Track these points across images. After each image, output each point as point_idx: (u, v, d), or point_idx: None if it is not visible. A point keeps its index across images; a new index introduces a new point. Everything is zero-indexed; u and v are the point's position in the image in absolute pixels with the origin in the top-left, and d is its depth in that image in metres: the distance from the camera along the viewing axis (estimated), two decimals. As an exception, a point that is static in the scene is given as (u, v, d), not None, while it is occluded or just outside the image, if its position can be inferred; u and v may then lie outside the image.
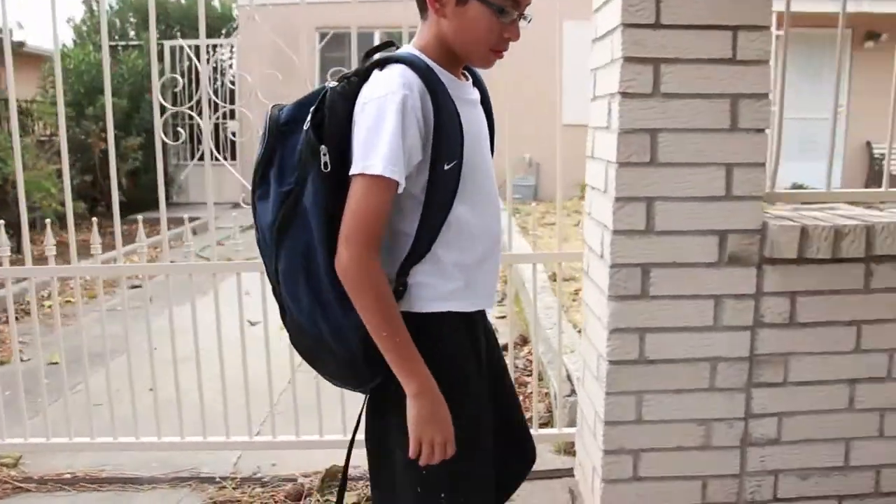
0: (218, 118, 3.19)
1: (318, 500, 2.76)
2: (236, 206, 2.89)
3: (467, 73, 1.71)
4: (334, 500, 2.68)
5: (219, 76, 10.11)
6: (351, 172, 1.47)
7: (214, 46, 10.52)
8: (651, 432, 2.29)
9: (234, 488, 2.87)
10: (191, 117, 3.67)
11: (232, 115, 8.81)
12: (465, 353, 1.67)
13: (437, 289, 1.61)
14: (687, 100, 2.13)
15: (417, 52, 1.58)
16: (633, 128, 2.14)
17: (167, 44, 10.13)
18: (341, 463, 2.89)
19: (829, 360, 2.32)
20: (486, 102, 1.77)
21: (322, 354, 1.62)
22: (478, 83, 1.74)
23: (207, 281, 3.03)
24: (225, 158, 3.16)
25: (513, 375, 2.86)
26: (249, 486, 2.89)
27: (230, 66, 10.73)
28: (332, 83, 1.55)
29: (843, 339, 2.31)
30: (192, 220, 3.00)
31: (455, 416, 1.55)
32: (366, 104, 1.49)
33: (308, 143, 1.49)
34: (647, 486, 2.34)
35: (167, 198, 3.02)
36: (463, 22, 1.54)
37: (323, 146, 1.47)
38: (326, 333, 1.55)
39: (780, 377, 2.31)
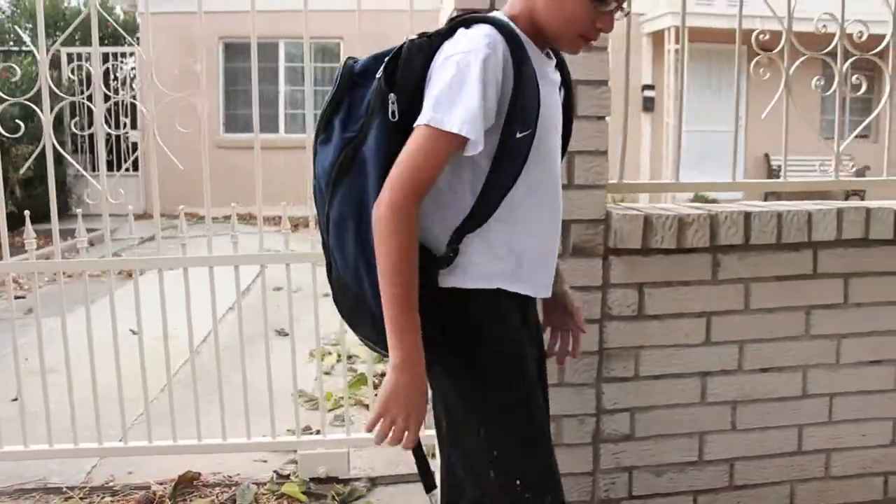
0: (115, 126, 2.99)
1: (169, 509, 2.63)
2: (139, 217, 2.78)
3: (552, 54, 1.63)
4: (186, 507, 2.57)
5: (121, 86, 9.82)
6: (417, 122, 1.41)
7: (116, 55, 10.21)
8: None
9: (81, 498, 2.72)
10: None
11: (134, 125, 8.58)
12: (517, 331, 1.58)
13: (486, 267, 1.53)
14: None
15: (506, 19, 1.51)
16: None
17: (64, 50, 9.71)
18: (197, 469, 2.84)
19: (679, 352, 2.30)
20: (567, 91, 1.69)
21: (362, 316, 1.55)
22: (562, 67, 1.66)
23: (102, 289, 2.89)
24: (127, 169, 3.02)
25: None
26: (99, 496, 2.74)
27: (133, 76, 10.40)
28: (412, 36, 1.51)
29: (694, 330, 2.29)
30: (89, 230, 2.80)
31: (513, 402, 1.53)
32: (447, 59, 1.43)
33: (379, 91, 1.45)
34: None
35: (66, 209, 2.85)
36: (558, 5, 1.49)
37: (392, 94, 1.43)
38: (368, 292, 1.48)
39: (631, 371, 2.28)
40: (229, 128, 11.11)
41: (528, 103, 1.45)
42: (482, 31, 1.42)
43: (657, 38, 11.64)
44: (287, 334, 3.16)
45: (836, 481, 2.50)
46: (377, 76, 1.47)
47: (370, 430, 1.45)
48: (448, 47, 1.44)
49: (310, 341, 3.11)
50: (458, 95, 1.38)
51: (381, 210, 1.39)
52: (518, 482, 1.52)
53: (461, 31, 1.45)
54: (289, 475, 2.83)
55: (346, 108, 1.52)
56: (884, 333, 2.46)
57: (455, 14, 1.58)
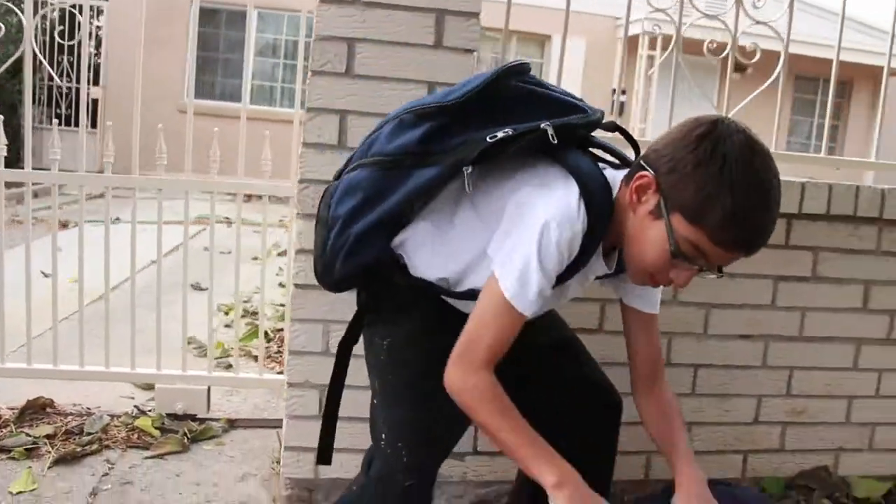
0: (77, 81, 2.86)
1: (13, 431, 2.53)
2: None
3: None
4: (31, 431, 2.49)
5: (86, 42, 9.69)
6: (503, 284, 1.32)
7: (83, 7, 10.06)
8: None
9: (-75, 416, 2.63)
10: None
11: (96, 80, 8.48)
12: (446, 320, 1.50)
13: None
14: (389, 11, 2.01)
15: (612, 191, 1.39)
16: (329, 35, 2.00)
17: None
18: (63, 400, 2.76)
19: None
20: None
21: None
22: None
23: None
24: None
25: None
26: (-54, 415, 2.65)
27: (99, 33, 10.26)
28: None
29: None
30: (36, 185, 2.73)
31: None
32: (541, 219, 1.31)
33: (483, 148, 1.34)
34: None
35: (18, 161, 2.77)
36: (643, 233, 1.33)
37: (470, 168, 1.35)
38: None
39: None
40: (198, 94, 11.01)
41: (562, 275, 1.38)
42: (574, 204, 1.31)
43: (631, 42, 11.61)
44: (202, 289, 3.14)
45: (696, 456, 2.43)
46: (489, 138, 1.34)
47: None
48: (546, 199, 1.33)
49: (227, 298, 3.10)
50: (536, 275, 1.30)
51: (457, 389, 1.36)
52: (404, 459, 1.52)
53: (561, 182, 1.34)
54: (149, 411, 2.75)
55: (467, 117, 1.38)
56: (754, 307, 2.40)
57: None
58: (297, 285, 2.10)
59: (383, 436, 1.54)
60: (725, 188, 1.22)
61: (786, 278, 2.41)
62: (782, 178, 1.31)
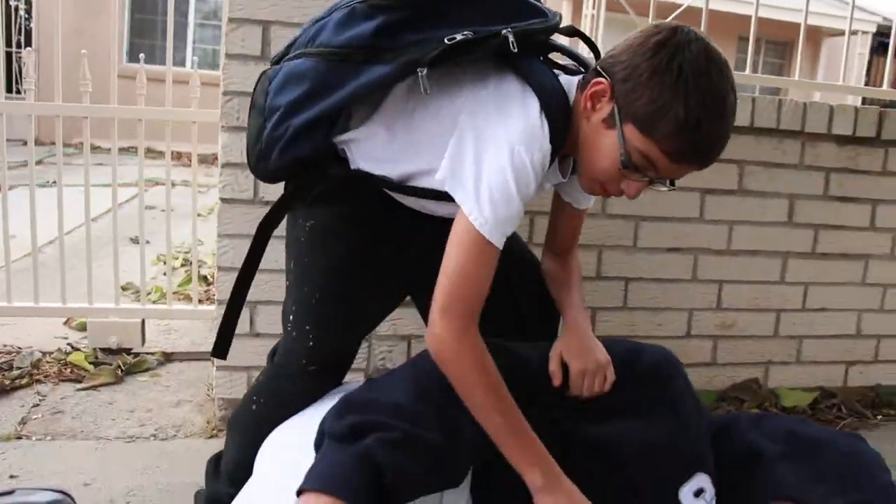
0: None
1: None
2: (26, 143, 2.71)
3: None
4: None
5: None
6: (470, 216, 1.23)
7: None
8: (267, 281, 2.13)
9: None
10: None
11: (28, 42, 8.25)
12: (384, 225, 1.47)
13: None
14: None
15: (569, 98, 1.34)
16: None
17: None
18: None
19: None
20: None
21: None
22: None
23: None
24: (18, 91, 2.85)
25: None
26: None
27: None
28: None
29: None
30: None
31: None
32: (505, 143, 1.24)
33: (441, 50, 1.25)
34: (267, 343, 2.17)
35: None
36: (596, 141, 1.29)
37: (424, 70, 1.24)
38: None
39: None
40: (133, 57, 10.78)
41: None
42: (537, 123, 1.25)
43: (577, 1, 11.66)
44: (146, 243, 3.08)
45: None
46: (464, 36, 1.26)
47: None
48: (507, 123, 1.26)
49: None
50: (511, 204, 1.23)
51: (447, 348, 1.24)
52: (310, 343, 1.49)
53: (518, 104, 1.27)
54: (82, 348, 2.70)
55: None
56: (681, 220, 2.44)
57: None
58: (223, 199, 2.08)
59: (291, 318, 1.51)
60: (679, 99, 1.18)
61: (712, 191, 2.46)
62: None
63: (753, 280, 2.56)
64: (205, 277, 3.60)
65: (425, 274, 1.35)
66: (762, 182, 2.50)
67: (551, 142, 1.27)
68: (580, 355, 1.40)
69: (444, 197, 1.31)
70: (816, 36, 12.15)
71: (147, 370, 2.62)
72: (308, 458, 1.24)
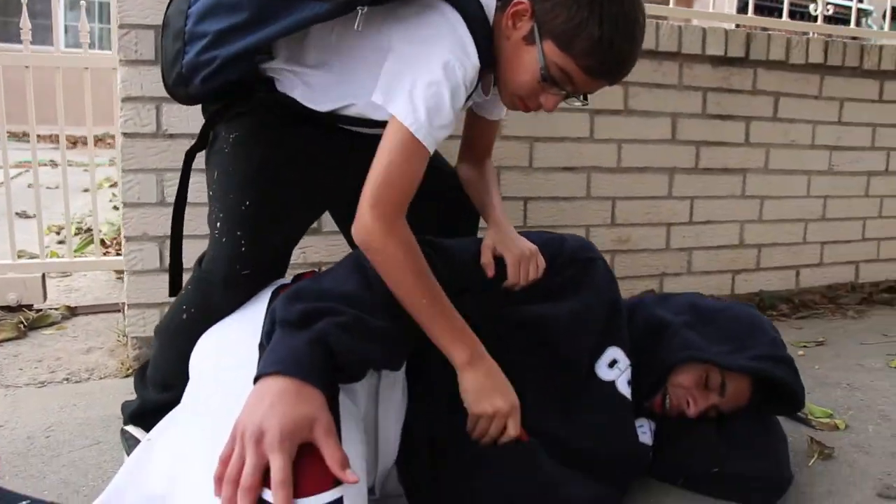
0: None
1: None
2: None
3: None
4: None
5: None
6: (401, 117, 1.28)
7: None
8: (175, 214, 2.12)
9: None
10: None
11: None
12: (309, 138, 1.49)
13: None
14: None
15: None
16: None
17: None
18: None
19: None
20: None
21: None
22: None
23: None
24: None
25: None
26: None
27: None
28: None
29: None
30: None
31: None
32: (437, 58, 1.30)
33: None
34: (179, 277, 2.17)
35: None
36: (516, 58, 1.36)
37: (365, 8, 1.30)
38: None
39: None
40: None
41: None
42: (466, 41, 1.32)
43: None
44: (30, 216, 2.98)
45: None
46: None
47: (476, 434, 1.34)
48: (438, 39, 1.31)
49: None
50: (442, 112, 1.29)
51: (376, 238, 1.29)
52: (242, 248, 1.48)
53: (446, 25, 1.32)
54: (-18, 310, 2.62)
55: None
56: (575, 140, 2.56)
57: None
58: (125, 134, 2.06)
59: (218, 224, 1.50)
60: (595, 18, 1.27)
61: (601, 112, 2.58)
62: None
63: (644, 196, 2.71)
64: (102, 241, 3.52)
65: (351, 191, 1.40)
66: (646, 102, 2.65)
67: (478, 59, 1.35)
68: (511, 246, 1.50)
69: (376, 125, 1.39)
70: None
71: (52, 324, 2.56)
72: (248, 351, 1.27)
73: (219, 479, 1.00)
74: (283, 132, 1.49)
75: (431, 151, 1.32)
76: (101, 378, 2.17)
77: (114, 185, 5.53)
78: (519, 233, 1.56)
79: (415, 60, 1.32)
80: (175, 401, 1.46)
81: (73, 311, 2.67)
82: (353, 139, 1.53)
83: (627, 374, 1.49)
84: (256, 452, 0.99)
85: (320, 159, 1.53)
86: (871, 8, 4.77)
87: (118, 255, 3.44)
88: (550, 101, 1.40)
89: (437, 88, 1.29)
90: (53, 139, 7.66)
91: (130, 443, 1.61)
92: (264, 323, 1.28)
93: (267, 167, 1.48)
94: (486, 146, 1.76)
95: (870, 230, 3.25)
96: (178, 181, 1.56)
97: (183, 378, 1.44)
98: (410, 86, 1.30)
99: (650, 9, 2.96)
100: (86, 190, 3.56)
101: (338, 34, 1.43)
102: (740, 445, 1.53)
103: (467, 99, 1.44)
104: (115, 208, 4.65)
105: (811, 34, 3.06)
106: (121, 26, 2.01)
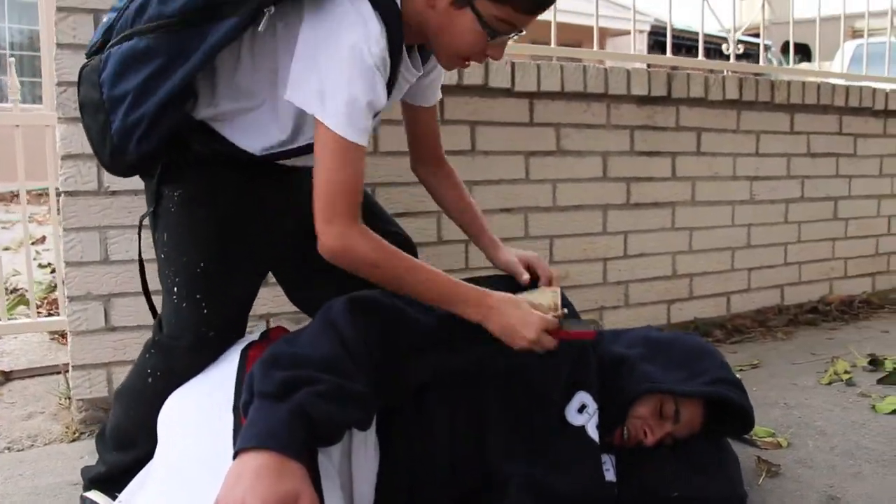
0: None
1: None
2: None
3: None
4: None
5: None
6: (323, 120, 1.30)
7: None
8: (119, 273, 2.10)
9: None
10: None
11: None
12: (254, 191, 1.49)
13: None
14: None
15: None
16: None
17: None
18: None
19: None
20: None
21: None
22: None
23: None
24: None
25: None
26: None
27: None
28: None
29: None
30: None
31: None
32: (339, 41, 1.29)
33: None
34: (124, 336, 2.14)
35: None
36: (450, 24, 1.37)
37: (272, 8, 1.29)
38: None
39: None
40: None
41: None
42: (370, 19, 1.30)
43: None
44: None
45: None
46: None
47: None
48: (342, 26, 1.30)
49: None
50: (363, 102, 1.30)
51: (340, 251, 1.34)
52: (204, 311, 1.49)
53: (351, 6, 1.31)
54: None
55: None
56: (511, 182, 2.63)
57: None
58: (66, 193, 2.04)
59: (175, 289, 1.48)
60: None
61: (534, 153, 2.66)
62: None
63: (579, 233, 2.80)
64: (28, 301, 3.42)
65: (291, 246, 1.49)
66: (577, 142, 2.74)
67: (389, 36, 1.33)
68: (540, 261, 1.74)
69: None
70: (602, 37, 13.11)
71: (-13, 391, 2.48)
72: (220, 418, 1.27)
73: None
74: (226, 183, 1.47)
75: (364, 143, 1.33)
76: (45, 444, 2.11)
77: (36, 242, 5.38)
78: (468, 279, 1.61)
79: (320, 50, 1.30)
80: (140, 462, 1.45)
81: (7, 376, 2.59)
82: (292, 177, 1.54)
83: (596, 419, 1.52)
84: None
85: (266, 203, 1.53)
86: (769, 42, 5.05)
87: (49, 315, 3.36)
88: (497, 51, 1.42)
89: (344, 76, 1.28)
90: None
91: None
92: (241, 391, 1.28)
93: (215, 224, 1.47)
94: (434, 139, 1.78)
95: (791, 255, 3.41)
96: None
97: (147, 438, 1.43)
98: (319, 80, 1.30)
99: (573, 53, 3.09)
100: (6, 248, 3.47)
101: (257, 55, 1.40)
102: (696, 469, 1.59)
103: (395, 80, 1.42)
104: (41, 266, 4.52)
105: (725, 72, 3.22)
106: (59, 84, 2.00)
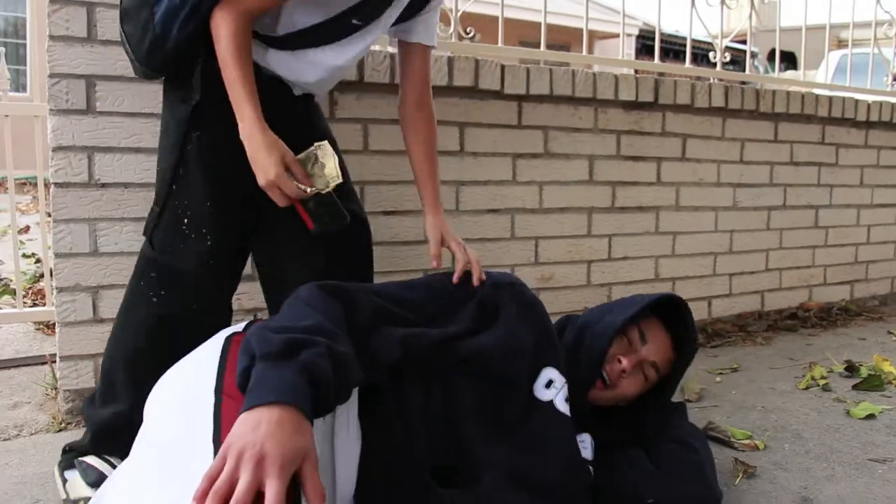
0: None
1: None
2: None
3: None
4: None
5: None
6: None
7: None
8: (108, 265, 2.11)
9: None
10: None
11: None
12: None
13: None
14: None
15: None
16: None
17: None
18: None
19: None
20: None
21: None
22: None
23: None
24: None
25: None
26: None
27: None
28: None
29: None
30: None
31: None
32: None
33: None
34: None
35: None
36: None
37: None
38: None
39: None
40: None
41: None
42: None
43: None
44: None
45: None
46: None
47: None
48: None
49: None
50: None
51: (224, 25, 1.48)
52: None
53: None
54: None
55: None
56: (498, 183, 2.66)
57: None
58: (56, 184, 2.05)
59: (186, 221, 1.63)
60: None
61: (522, 155, 2.70)
62: None
63: (565, 235, 2.83)
64: (13, 291, 3.42)
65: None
66: (565, 145, 2.78)
67: None
68: (458, 241, 1.80)
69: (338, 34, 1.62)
70: (590, 39, 13.22)
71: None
72: (202, 398, 1.29)
73: (203, 495, 0.98)
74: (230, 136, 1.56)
75: None
76: (31, 434, 2.12)
77: (21, 231, 5.37)
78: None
79: None
80: (126, 415, 1.51)
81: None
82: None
83: (564, 392, 1.55)
84: (254, 473, 0.98)
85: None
86: (756, 49, 5.10)
87: (34, 305, 3.37)
88: None
89: None
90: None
91: (89, 472, 1.65)
92: (223, 373, 1.30)
93: (226, 175, 1.60)
94: (420, 82, 1.89)
95: (772, 261, 3.46)
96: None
97: (130, 386, 1.62)
98: None
99: (560, 57, 3.13)
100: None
101: None
102: (672, 471, 1.63)
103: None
104: (25, 256, 4.51)
105: (712, 79, 3.27)
106: (51, 75, 2.01)
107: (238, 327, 1.55)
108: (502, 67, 2.57)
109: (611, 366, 1.66)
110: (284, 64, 1.64)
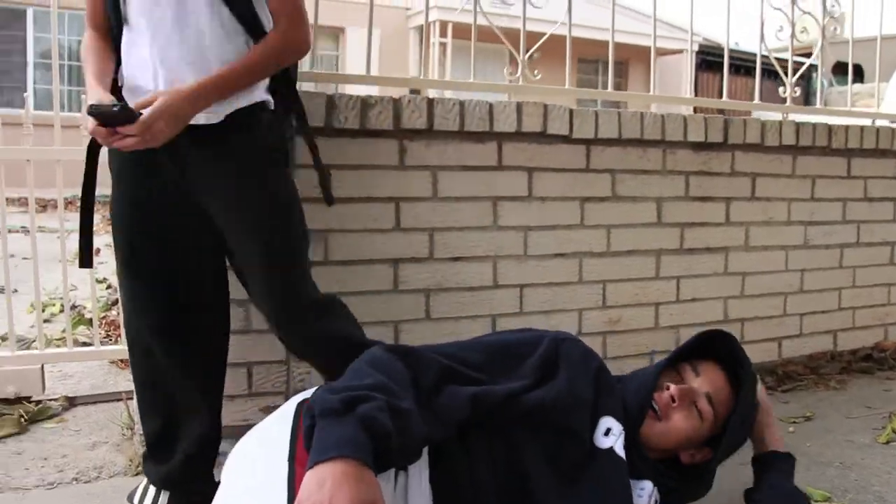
0: None
1: None
2: None
3: None
4: None
5: None
6: None
7: None
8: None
9: None
10: None
11: None
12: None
13: None
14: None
15: None
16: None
17: None
18: None
19: (370, 237, 2.34)
20: None
21: None
22: None
23: None
24: None
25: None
26: None
27: None
28: None
29: (382, 215, 2.35)
30: None
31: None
32: None
33: None
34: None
35: None
36: None
37: None
38: None
39: (321, 255, 2.29)
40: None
41: None
42: None
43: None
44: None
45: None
46: None
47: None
48: None
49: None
50: None
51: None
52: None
53: None
54: (-20, 403, 2.61)
55: None
56: (566, 228, 2.65)
57: None
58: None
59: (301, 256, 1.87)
60: None
61: (589, 199, 2.68)
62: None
63: (633, 277, 2.81)
64: (89, 321, 3.52)
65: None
66: (632, 188, 2.75)
67: None
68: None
69: None
70: (648, 56, 13.12)
71: (52, 416, 2.56)
72: (277, 466, 1.32)
73: None
74: None
75: None
76: (110, 477, 2.18)
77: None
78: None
79: None
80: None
81: (71, 402, 2.68)
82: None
83: (622, 439, 1.58)
84: None
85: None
86: (817, 62, 5.04)
87: (107, 336, 3.46)
88: None
89: None
90: (22, 202, 7.58)
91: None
92: (303, 420, 1.33)
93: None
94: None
95: (845, 300, 3.38)
96: None
97: None
98: None
99: (615, 96, 3.09)
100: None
101: None
102: None
103: None
104: (97, 281, 4.63)
105: (783, 115, 3.21)
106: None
107: (307, 394, 1.58)
108: (571, 112, 2.57)
109: (659, 393, 1.65)
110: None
